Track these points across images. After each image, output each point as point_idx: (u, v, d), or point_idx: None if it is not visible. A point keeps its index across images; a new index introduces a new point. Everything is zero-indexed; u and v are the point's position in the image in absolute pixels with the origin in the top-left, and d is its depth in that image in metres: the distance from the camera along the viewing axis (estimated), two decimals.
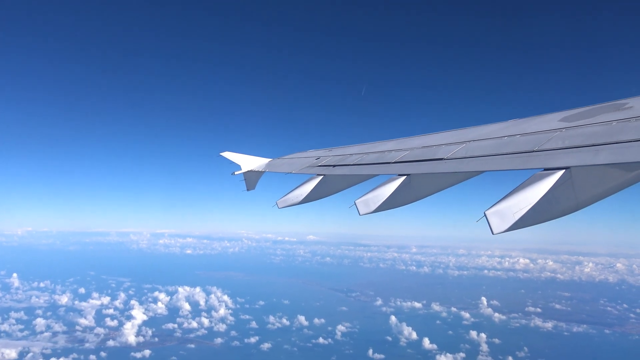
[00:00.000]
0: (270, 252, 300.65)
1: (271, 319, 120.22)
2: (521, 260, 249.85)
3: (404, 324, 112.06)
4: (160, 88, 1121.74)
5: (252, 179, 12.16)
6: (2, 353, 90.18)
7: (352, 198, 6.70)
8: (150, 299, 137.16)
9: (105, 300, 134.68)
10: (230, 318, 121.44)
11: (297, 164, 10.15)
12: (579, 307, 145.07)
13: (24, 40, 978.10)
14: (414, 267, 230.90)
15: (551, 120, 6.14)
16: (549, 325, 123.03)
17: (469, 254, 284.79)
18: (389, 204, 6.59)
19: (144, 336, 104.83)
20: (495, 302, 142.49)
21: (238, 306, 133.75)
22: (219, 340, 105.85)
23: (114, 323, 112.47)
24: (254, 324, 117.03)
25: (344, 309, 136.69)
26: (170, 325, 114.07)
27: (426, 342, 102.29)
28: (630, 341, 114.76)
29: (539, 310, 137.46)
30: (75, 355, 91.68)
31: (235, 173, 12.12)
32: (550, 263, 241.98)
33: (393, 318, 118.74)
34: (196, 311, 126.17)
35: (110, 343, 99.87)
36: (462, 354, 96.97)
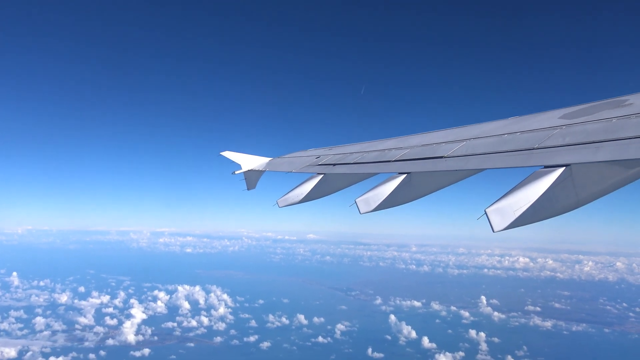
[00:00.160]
0: (270, 250, 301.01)
1: (271, 317, 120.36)
2: (521, 259, 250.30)
3: (404, 323, 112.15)
4: (161, 87, 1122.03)
5: (252, 178, 12.16)
6: (2, 352, 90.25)
7: (352, 197, 6.71)
8: (149, 298, 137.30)
9: (105, 299, 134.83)
10: (230, 317, 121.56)
11: (297, 163, 10.15)
12: (579, 306, 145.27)
13: (24, 40, 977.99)
14: (414, 266, 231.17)
15: (551, 118, 6.14)
16: (548, 324, 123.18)
17: (468, 253, 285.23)
18: (389, 203, 6.59)
19: (143, 335, 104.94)
20: (494, 301, 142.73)
21: (237, 305, 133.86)
22: (218, 339, 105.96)
23: (114, 322, 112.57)
24: (253, 323, 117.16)
25: (343, 307, 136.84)
26: (169, 324, 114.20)
27: (425, 341, 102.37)
28: (629, 340, 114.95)
29: (538, 309, 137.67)
30: (74, 354, 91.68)
31: (236, 172, 12.12)
32: (550, 262, 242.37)
33: (392, 317, 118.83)
34: (196, 310, 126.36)
35: (110, 342, 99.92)
36: (462, 353, 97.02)
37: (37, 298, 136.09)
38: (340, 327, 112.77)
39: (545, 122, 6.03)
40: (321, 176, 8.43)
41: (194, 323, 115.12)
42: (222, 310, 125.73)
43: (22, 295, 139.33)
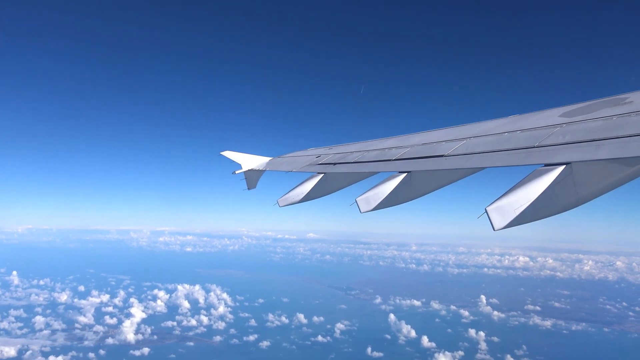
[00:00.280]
0: (270, 250, 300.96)
1: (270, 317, 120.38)
2: (521, 258, 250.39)
3: (403, 322, 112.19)
4: (161, 87, 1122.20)
5: (252, 177, 12.15)
6: (2, 351, 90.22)
7: (353, 196, 6.71)
8: (149, 297, 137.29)
9: (105, 298, 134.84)
10: (230, 316, 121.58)
11: (297, 163, 10.14)
12: (578, 305, 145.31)
13: (24, 40, 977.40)
14: (414, 265, 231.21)
15: (551, 116, 6.14)
16: (548, 323, 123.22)
17: (468, 252, 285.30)
18: (389, 202, 6.59)
19: (143, 334, 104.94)
20: (494, 300, 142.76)
21: (237, 304, 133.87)
22: (218, 338, 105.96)
23: (113, 321, 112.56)
24: (253, 322, 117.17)
25: (343, 307, 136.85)
26: (169, 323, 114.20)
27: (425, 340, 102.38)
28: (629, 339, 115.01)
29: (538, 308, 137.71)
30: (74, 353, 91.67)
31: (236, 172, 12.11)
32: (550, 261, 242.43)
33: (392, 316, 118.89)
34: (195, 309, 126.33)
35: (110, 341, 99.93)
36: (461, 352, 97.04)
37: (36, 297, 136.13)
38: (339, 326, 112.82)
39: (545, 121, 6.02)
40: (321, 175, 8.43)
41: (193, 322, 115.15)
42: (221, 309, 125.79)
43: (21, 294, 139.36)
